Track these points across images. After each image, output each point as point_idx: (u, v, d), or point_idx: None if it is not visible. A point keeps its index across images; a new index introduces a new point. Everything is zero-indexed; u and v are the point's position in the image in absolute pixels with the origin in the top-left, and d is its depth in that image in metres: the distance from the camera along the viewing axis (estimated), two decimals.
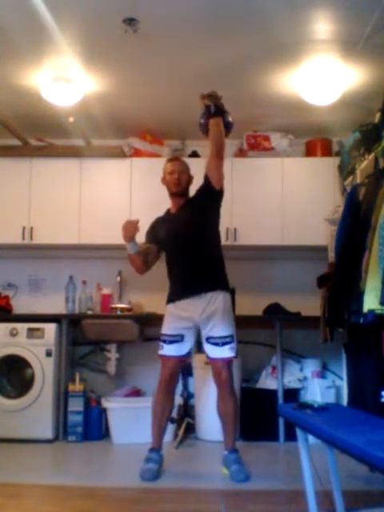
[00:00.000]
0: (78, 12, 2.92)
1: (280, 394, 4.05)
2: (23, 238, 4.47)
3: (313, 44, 3.25)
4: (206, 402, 3.92)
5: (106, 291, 4.62)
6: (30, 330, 4.10)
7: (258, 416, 4.08)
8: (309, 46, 3.27)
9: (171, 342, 3.21)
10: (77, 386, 4.07)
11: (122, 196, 4.51)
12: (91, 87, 3.84)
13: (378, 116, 3.47)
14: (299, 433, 2.29)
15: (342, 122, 4.33)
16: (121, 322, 4.33)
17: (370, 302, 2.76)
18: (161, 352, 3.25)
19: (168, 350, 3.22)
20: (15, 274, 4.81)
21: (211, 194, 3.27)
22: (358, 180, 3.64)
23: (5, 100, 3.97)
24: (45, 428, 4.00)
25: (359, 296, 2.81)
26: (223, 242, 3.50)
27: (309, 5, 2.85)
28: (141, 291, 4.67)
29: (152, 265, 3.38)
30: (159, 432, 3.26)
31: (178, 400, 4.01)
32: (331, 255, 3.88)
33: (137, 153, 4.62)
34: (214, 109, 3.25)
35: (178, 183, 3.29)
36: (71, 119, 4.18)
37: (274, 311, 4.33)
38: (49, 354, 4.06)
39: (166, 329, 3.26)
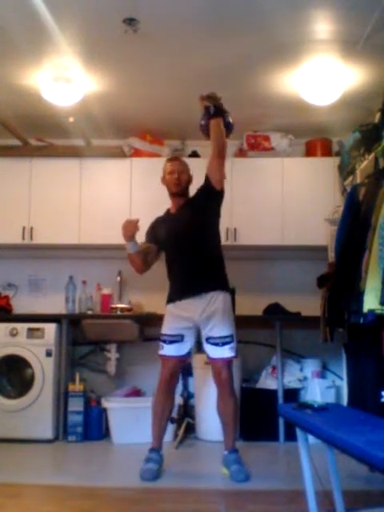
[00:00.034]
0: (78, 12, 2.93)
1: (280, 394, 4.05)
2: (23, 238, 4.46)
3: (313, 44, 3.25)
4: (206, 402, 3.92)
5: (105, 291, 4.62)
6: (30, 329, 4.10)
7: (257, 416, 4.08)
8: (309, 46, 3.27)
9: (171, 342, 3.22)
10: (77, 386, 4.07)
11: (122, 196, 4.51)
12: (91, 87, 3.84)
13: (378, 116, 3.47)
14: (299, 433, 2.29)
15: (342, 121, 4.33)
16: (121, 322, 4.33)
17: (369, 302, 2.76)
18: (161, 352, 3.25)
19: (168, 349, 3.23)
20: (15, 274, 4.82)
21: (211, 194, 3.27)
22: (358, 180, 3.64)
23: (5, 100, 3.97)
24: (45, 428, 4.00)
25: (359, 296, 2.81)
26: (223, 242, 3.50)
27: (309, 5, 2.85)
28: (141, 291, 4.67)
29: (151, 264, 3.38)
30: (159, 432, 3.26)
31: (178, 400, 4.00)
32: (331, 255, 3.88)
33: (137, 153, 4.62)
34: (214, 109, 3.24)
35: (177, 183, 3.30)
36: (71, 119, 4.18)
37: (274, 311, 4.33)
38: (49, 354, 4.06)
39: (166, 329, 3.26)
